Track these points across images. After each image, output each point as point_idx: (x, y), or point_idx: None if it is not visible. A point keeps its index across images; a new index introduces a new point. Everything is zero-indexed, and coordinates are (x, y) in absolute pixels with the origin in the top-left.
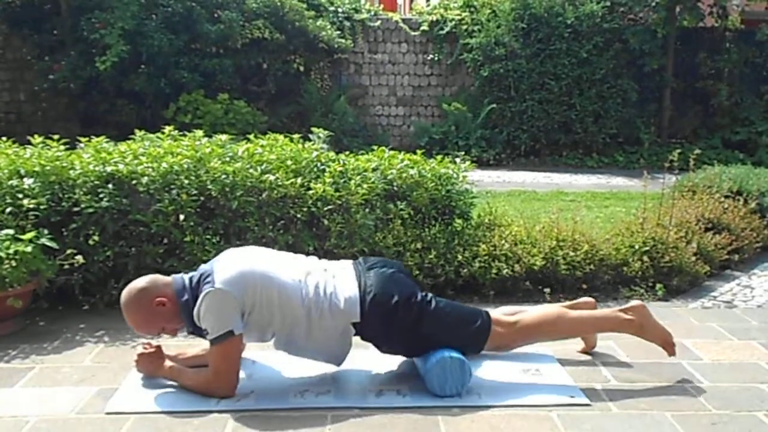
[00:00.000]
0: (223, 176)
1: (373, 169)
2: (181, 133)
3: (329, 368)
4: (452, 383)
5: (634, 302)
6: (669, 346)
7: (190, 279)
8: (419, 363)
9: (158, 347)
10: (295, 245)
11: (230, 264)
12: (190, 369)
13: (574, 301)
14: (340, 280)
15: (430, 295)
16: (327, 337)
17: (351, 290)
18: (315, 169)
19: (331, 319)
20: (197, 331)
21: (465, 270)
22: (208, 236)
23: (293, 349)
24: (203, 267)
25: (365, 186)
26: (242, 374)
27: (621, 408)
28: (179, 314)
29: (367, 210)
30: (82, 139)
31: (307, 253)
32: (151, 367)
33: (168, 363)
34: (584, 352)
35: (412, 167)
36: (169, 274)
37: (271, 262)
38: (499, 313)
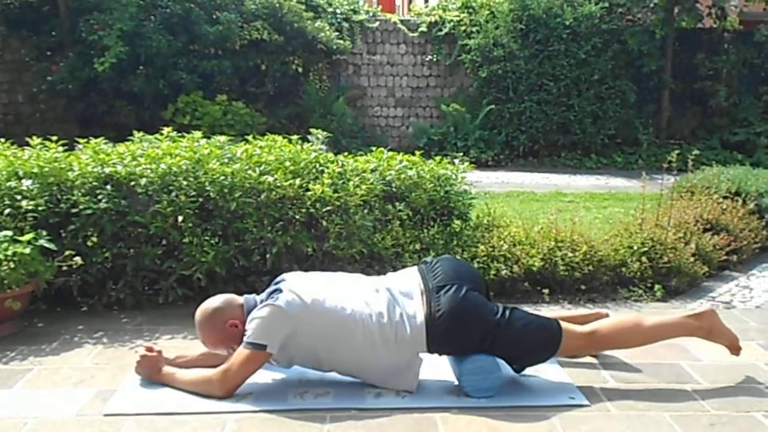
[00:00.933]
0: (222, 177)
1: (372, 170)
2: (179, 134)
3: None
4: (486, 383)
5: (704, 308)
6: (735, 349)
7: (261, 301)
8: (453, 365)
9: (159, 352)
10: (294, 246)
11: (302, 287)
12: (188, 371)
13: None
14: (408, 308)
15: (506, 313)
16: (395, 366)
17: (418, 319)
18: (314, 170)
19: (396, 350)
20: None
21: None
22: (207, 237)
23: (363, 375)
24: (278, 280)
25: (364, 187)
26: None
27: (620, 409)
28: None
29: (365, 211)
30: (81, 141)
31: (307, 256)
32: (152, 370)
33: (166, 368)
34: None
35: (411, 168)
36: (168, 276)
37: (343, 292)
38: (568, 322)
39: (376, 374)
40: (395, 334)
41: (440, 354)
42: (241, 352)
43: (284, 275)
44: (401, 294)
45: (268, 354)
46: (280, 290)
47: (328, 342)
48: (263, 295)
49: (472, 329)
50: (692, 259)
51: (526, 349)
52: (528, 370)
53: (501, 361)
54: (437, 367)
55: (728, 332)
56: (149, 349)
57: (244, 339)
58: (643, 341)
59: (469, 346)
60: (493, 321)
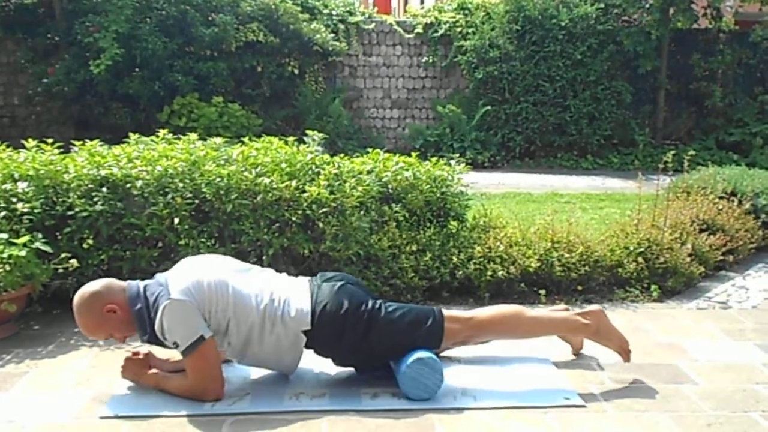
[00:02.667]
0: (218, 179)
1: (368, 172)
2: (175, 136)
3: (325, 371)
4: (427, 384)
5: (592, 307)
6: (625, 353)
7: (145, 287)
8: (394, 368)
9: (146, 355)
10: (290, 248)
11: (184, 273)
12: (176, 375)
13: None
14: (294, 291)
15: (379, 302)
16: (278, 345)
17: (303, 300)
18: (310, 172)
19: (282, 327)
20: (153, 340)
21: (460, 272)
22: (203, 239)
23: (247, 356)
24: (159, 277)
25: (360, 188)
26: (238, 377)
27: (616, 409)
28: (131, 322)
29: (362, 212)
30: (76, 143)
31: (304, 258)
32: (137, 374)
33: (153, 371)
34: (575, 353)
35: (407, 169)
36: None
37: (226, 269)
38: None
39: (260, 353)
40: (282, 311)
41: (323, 346)
42: (192, 360)
43: (173, 267)
44: (292, 280)
45: (210, 340)
46: (166, 284)
47: (234, 317)
48: (151, 285)
49: (349, 312)
50: (688, 259)
51: (405, 331)
52: (523, 371)
53: (442, 366)
54: None
55: (617, 334)
56: (135, 354)
57: (180, 351)
58: (524, 332)
59: (346, 329)
60: (369, 305)
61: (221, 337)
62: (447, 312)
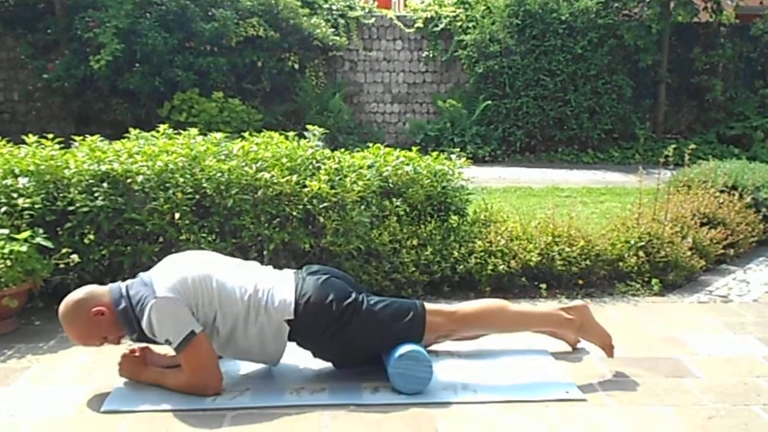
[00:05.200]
0: (219, 174)
1: (369, 167)
2: (175, 131)
3: (325, 366)
4: (415, 378)
5: (576, 302)
6: (608, 348)
7: (127, 287)
8: (386, 363)
9: (143, 351)
10: (291, 243)
11: (168, 271)
12: (173, 371)
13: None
14: (278, 282)
15: (362, 295)
16: (262, 334)
17: (287, 291)
18: (310, 167)
19: (266, 316)
20: (142, 338)
21: (461, 266)
22: (204, 234)
23: (231, 348)
24: (142, 276)
25: (361, 183)
26: (238, 372)
27: (617, 402)
28: (118, 322)
29: (362, 207)
30: (77, 138)
31: (305, 252)
32: (134, 371)
33: (151, 368)
34: (572, 347)
35: (408, 164)
36: None
37: (210, 263)
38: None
39: (245, 344)
40: (266, 301)
41: (305, 337)
42: (186, 356)
43: (148, 272)
44: (277, 273)
45: (201, 334)
46: (150, 282)
47: (220, 309)
48: (133, 284)
49: (333, 305)
50: (689, 253)
51: (386, 323)
52: (523, 365)
53: (428, 358)
54: (434, 365)
55: (600, 330)
56: (132, 351)
57: (173, 347)
58: (508, 326)
59: (330, 321)
60: (352, 297)
61: (209, 330)
62: (430, 305)
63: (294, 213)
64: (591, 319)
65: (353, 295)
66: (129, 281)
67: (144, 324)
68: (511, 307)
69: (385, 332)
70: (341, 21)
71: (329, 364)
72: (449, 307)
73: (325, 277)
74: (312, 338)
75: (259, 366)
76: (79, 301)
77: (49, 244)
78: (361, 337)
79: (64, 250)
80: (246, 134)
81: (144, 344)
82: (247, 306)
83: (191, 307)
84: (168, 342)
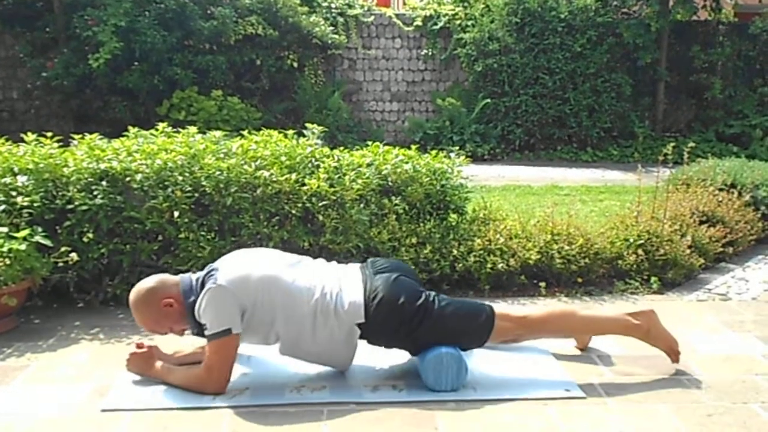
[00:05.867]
0: (218, 173)
1: (368, 165)
2: (174, 129)
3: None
4: (447, 378)
5: (644, 308)
6: (674, 354)
7: (197, 279)
8: (417, 357)
9: (150, 348)
10: (290, 241)
11: (236, 263)
12: (181, 367)
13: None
14: (346, 283)
15: (433, 294)
16: (332, 339)
17: (356, 293)
18: (309, 165)
19: (335, 320)
20: (202, 333)
21: (460, 265)
22: (203, 233)
23: (299, 352)
24: (211, 265)
25: (360, 181)
26: (238, 370)
27: (617, 401)
28: (185, 315)
29: (361, 205)
30: (76, 137)
31: (304, 251)
32: (143, 367)
33: (159, 363)
34: (579, 349)
35: (407, 162)
36: (164, 272)
37: (278, 263)
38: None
39: (314, 347)
40: (335, 304)
41: (376, 337)
42: (212, 346)
43: (226, 255)
44: (344, 272)
45: (236, 336)
46: (216, 270)
47: (282, 311)
48: (200, 274)
49: (405, 306)
50: (688, 251)
51: (456, 326)
52: (523, 363)
53: (467, 364)
54: None
55: (668, 335)
56: (139, 346)
57: (206, 334)
58: (574, 330)
59: (401, 322)
60: (423, 298)
61: (266, 332)
62: (500, 310)
63: (293, 211)
64: (658, 325)
65: (424, 296)
66: (199, 273)
67: (196, 305)
68: (579, 313)
69: (453, 334)
70: (340, 19)
71: None
72: (518, 311)
73: (395, 275)
74: (383, 338)
75: (259, 365)
76: (150, 289)
77: (48, 242)
78: (430, 337)
79: (63, 249)
80: (245, 132)
81: (152, 341)
82: (314, 310)
83: (244, 307)
84: (205, 327)
